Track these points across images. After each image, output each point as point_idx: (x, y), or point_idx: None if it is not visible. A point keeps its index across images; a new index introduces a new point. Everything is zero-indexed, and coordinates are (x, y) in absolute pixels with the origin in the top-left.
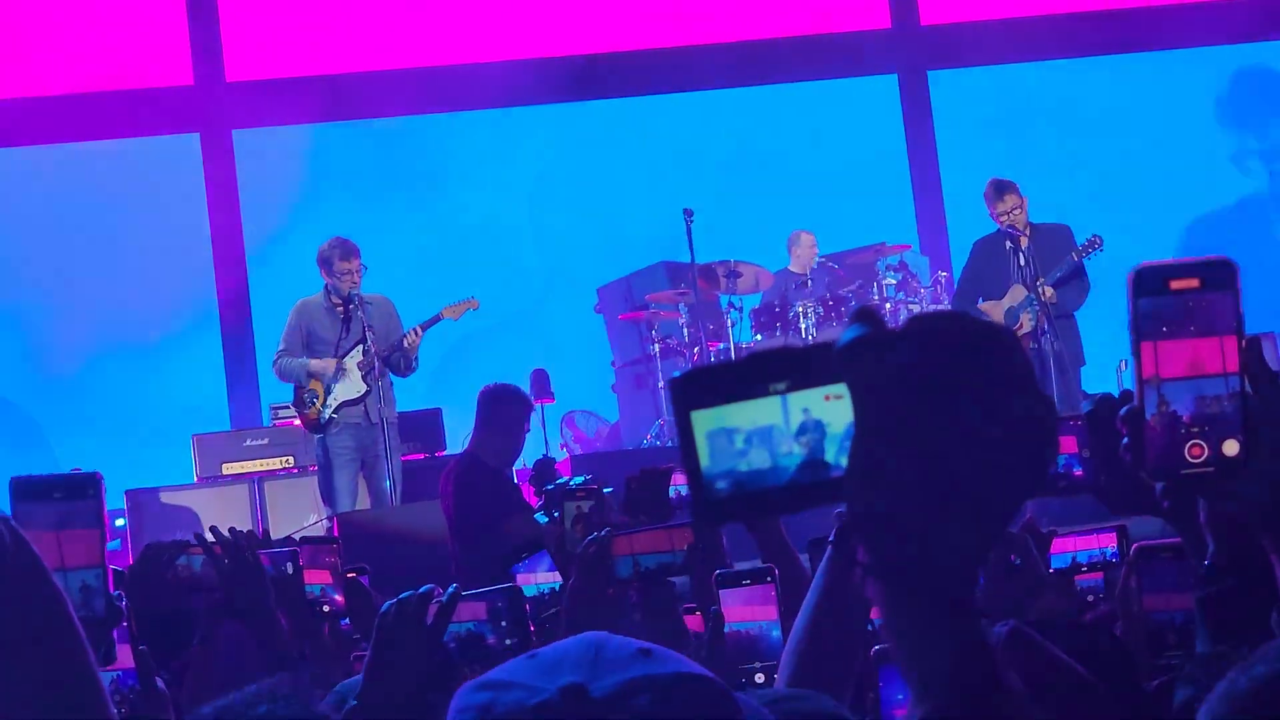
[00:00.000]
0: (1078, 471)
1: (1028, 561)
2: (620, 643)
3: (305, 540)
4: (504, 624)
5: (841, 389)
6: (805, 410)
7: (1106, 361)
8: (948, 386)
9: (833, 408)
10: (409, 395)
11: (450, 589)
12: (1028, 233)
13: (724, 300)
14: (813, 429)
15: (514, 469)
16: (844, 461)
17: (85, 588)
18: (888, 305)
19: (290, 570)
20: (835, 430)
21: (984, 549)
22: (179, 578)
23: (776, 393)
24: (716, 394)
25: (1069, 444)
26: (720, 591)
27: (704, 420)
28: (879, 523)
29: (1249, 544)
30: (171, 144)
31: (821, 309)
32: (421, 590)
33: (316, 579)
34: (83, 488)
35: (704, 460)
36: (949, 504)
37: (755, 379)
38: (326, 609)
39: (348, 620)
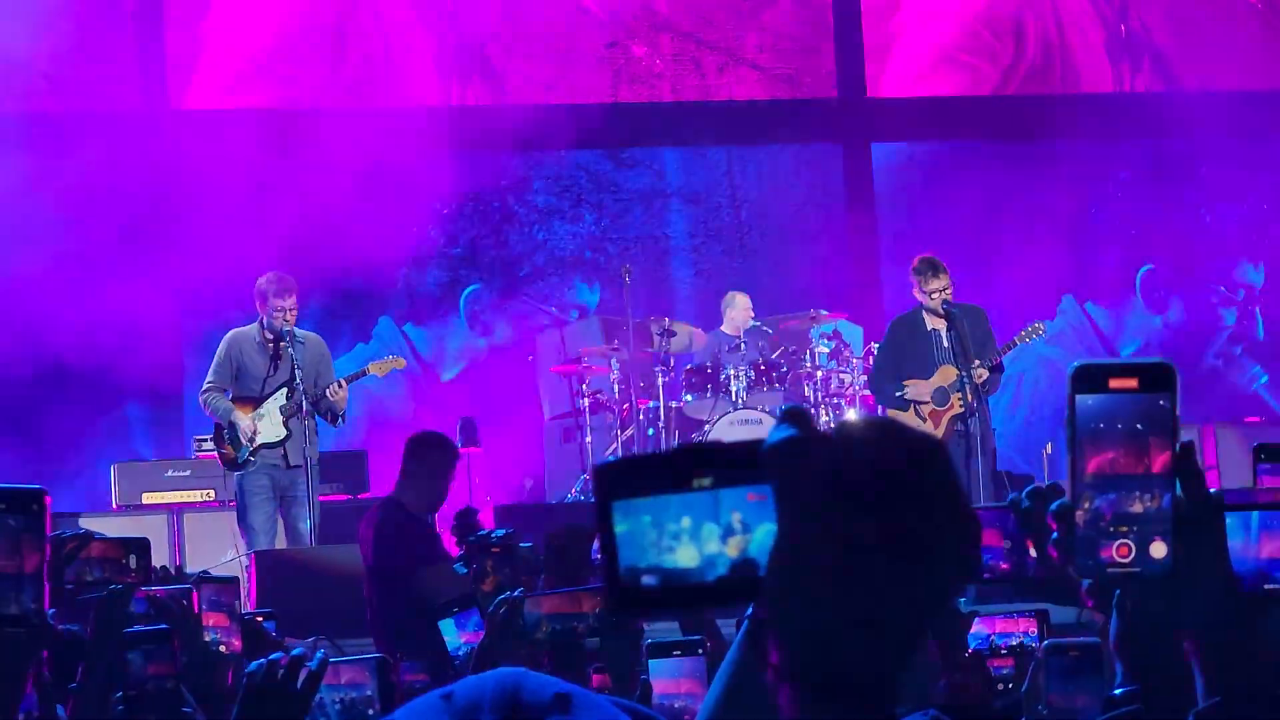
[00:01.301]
0: (1004, 565)
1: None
2: (538, 686)
3: (204, 580)
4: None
5: (766, 489)
6: (731, 508)
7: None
8: (875, 497)
9: (756, 507)
10: (338, 435)
11: (318, 655)
12: (951, 312)
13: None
14: (739, 528)
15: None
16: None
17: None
18: (819, 373)
19: (180, 609)
20: (759, 531)
21: (901, 659)
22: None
23: (701, 488)
24: (640, 485)
25: (992, 536)
26: (649, 661)
27: (626, 511)
28: (795, 628)
29: (1166, 654)
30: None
31: (753, 373)
32: (293, 653)
33: (214, 621)
34: (26, 503)
35: (624, 551)
36: (868, 614)
37: (680, 473)
38: (224, 650)
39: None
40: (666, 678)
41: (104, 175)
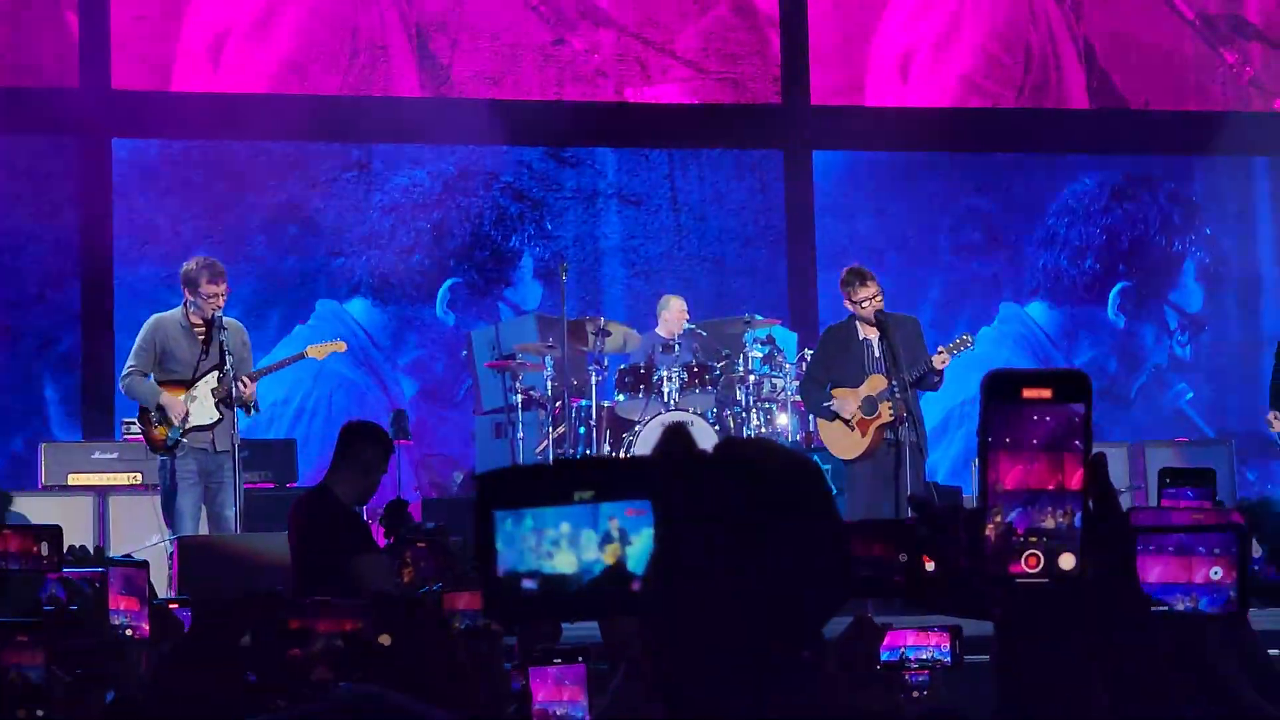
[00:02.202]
0: (897, 578)
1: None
2: (396, 705)
3: (114, 563)
4: None
5: (645, 505)
6: (611, 520)
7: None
8: (752, 514)
9: (634, 521)
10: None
11: None
12: (884, 321)
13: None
14: (617, 536)
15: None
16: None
17: None
18: (752, 377)
19: (92, 591)
20: (637, 540)
21: (775, 675)
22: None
23: (582, 501)
24: (522, 495)
25: (886, 550)
26: (530, 669)
27: (507, 520)
28: (667, 639)
29: (1056, 673)
30: (50, 145)
31: (686, 375)
32: None
33: (125, 605)
34: None
35: (504, 556)
36: (739, 627)
37: (563, 485)
38: (131, 635)
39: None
40: (548, 683)
41: (39, 154)
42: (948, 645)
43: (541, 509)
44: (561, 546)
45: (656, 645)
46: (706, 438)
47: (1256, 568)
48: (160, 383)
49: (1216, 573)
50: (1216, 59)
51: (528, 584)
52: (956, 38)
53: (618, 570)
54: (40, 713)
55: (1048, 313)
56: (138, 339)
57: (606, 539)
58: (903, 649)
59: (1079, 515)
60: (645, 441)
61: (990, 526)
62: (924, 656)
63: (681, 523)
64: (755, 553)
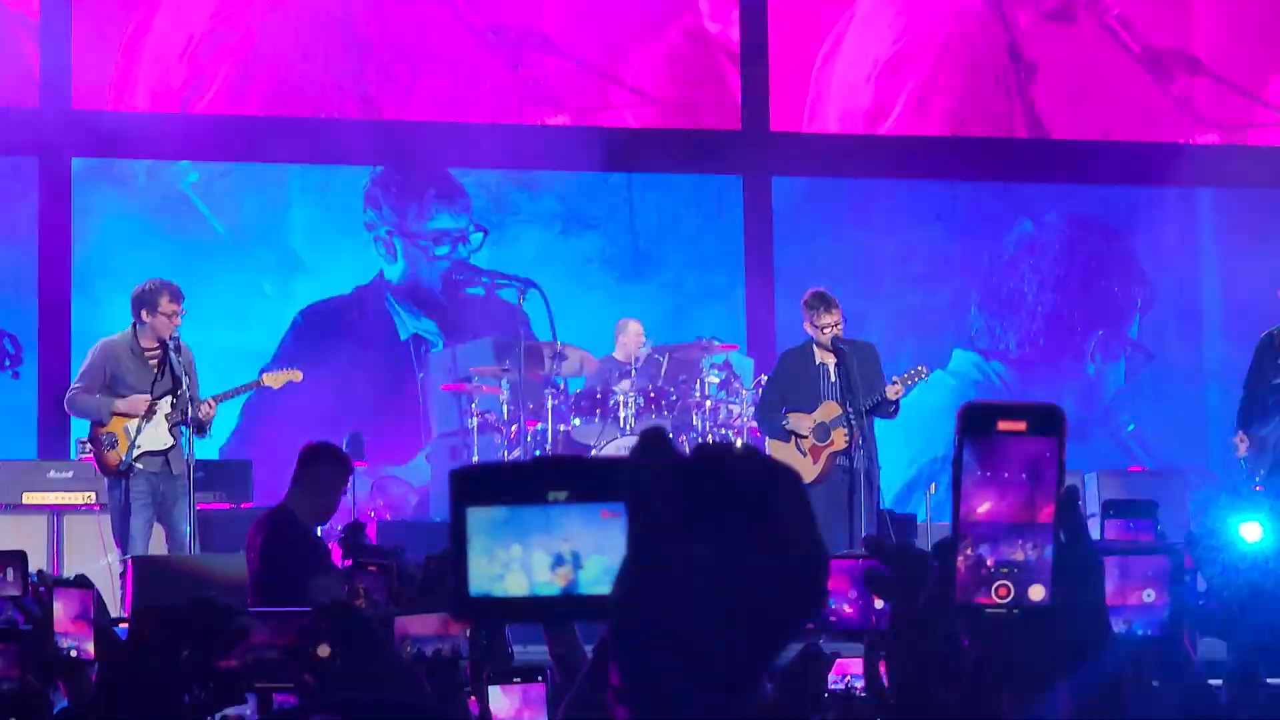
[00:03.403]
0: (848, 609)
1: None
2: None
3: (58, 582)
4: None
5: (619, 507)
6: (578, 523)
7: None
8: (727, 520)
9: (607, 524)
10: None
11: None
12: (842, 348)
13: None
14: (569, 559)
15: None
16: (602, 581)
17: None
18: (708, 403)
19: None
20: (601, 550)
21: (742, 684)
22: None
23: (555, 501)
24: (495, 494)
25: (841, 582)
26: (489, 688)
27: (479, 517)
28: (636, 646)
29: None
30: (8, 166)
31: (643, 399)
32: None
33: (71, 628)
34: None
35: (473, 557)
36: (707, 639)
37: (537, 484)
38: (75, 655)
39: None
40: (509, 701)
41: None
42: (848, 591)
43: (514, 511)
44: (513, 569)
45: (626, 647)
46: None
47: (1201, 602)
48: (109, 413)
49: (1149, 595)
50: (1162, 92)
51: (488, 584)
52: (913, 66)
53: (565, 595)
54: None
55: (1001, 357)
56: (84, 363)
57: (559, 561)
58: (848, 677)
59: (1049, 548)
60: (606, 449)
61: (961, 558)
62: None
63: (658, 524)
64: (732, 556)
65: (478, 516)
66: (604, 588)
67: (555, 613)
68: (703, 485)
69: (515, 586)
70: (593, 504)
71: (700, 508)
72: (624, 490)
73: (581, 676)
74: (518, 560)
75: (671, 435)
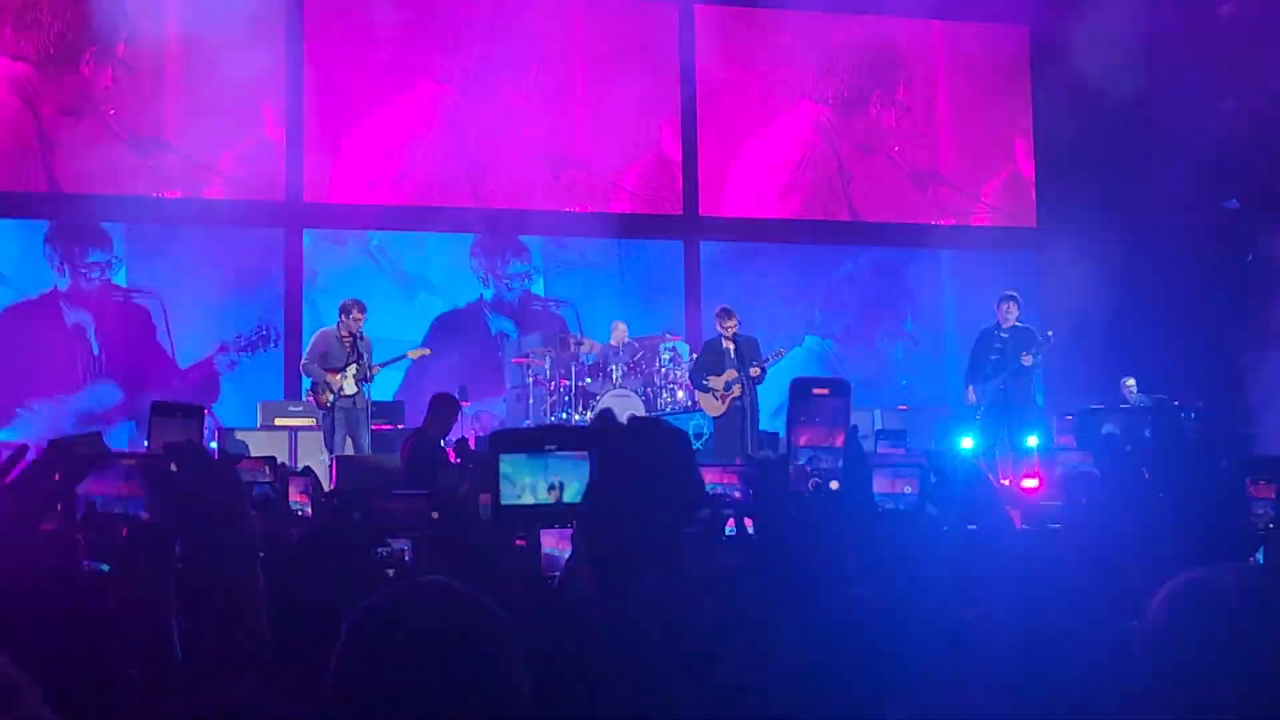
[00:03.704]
0: (737, 494)
1: None
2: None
3: (291, 472)
4: None
5: (585, 453)
6: (563, 464)
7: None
8: (646, 461)
9: (579, 465)
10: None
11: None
12: (737, 339)
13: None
14: (558, 485)
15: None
16: (576, 497)
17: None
18: (664, 369)
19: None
20: (577, 480)
21: (658, 549)
22: None
23: (549, 451)
24: (516, 446)
25: (731, 477)
26: (540, 530)
27: (508, 462)
28: (593, 534)
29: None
30: (266, 217)
31: (626, 368)
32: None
33: (298, 499)
34: (194, 411)
35: (503, 484)
36: (636, 526)
37: (539, 442)
38: (300, 514)
39: None
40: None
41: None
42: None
43: (525, 456)
44: (527, 489)
45: (586, 538)
46: (635, 405)
47: (935, 483)
48: (325, 369)
49: (908, 488)
50: (921, 194)
51: (513, 502)
52: (781, 173)
53: (557, 504)
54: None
55: (832, 339)
56: (309, 344)
57: (552, 487)
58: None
59: (840, 460)
60: (601, 406)
61: (793, 466)
62: (718, 492)
63: (603, 466)
64: (644, 481)
65: (506, 460)
66: (577, 500)
67: (549, 515)
68: (632, 441)
69: (527, 499)
70: (571, 453)
71: (630, 454)
72: (589, 446)
73: (570, 552)
74: (528, 485)
75: (634, 412)
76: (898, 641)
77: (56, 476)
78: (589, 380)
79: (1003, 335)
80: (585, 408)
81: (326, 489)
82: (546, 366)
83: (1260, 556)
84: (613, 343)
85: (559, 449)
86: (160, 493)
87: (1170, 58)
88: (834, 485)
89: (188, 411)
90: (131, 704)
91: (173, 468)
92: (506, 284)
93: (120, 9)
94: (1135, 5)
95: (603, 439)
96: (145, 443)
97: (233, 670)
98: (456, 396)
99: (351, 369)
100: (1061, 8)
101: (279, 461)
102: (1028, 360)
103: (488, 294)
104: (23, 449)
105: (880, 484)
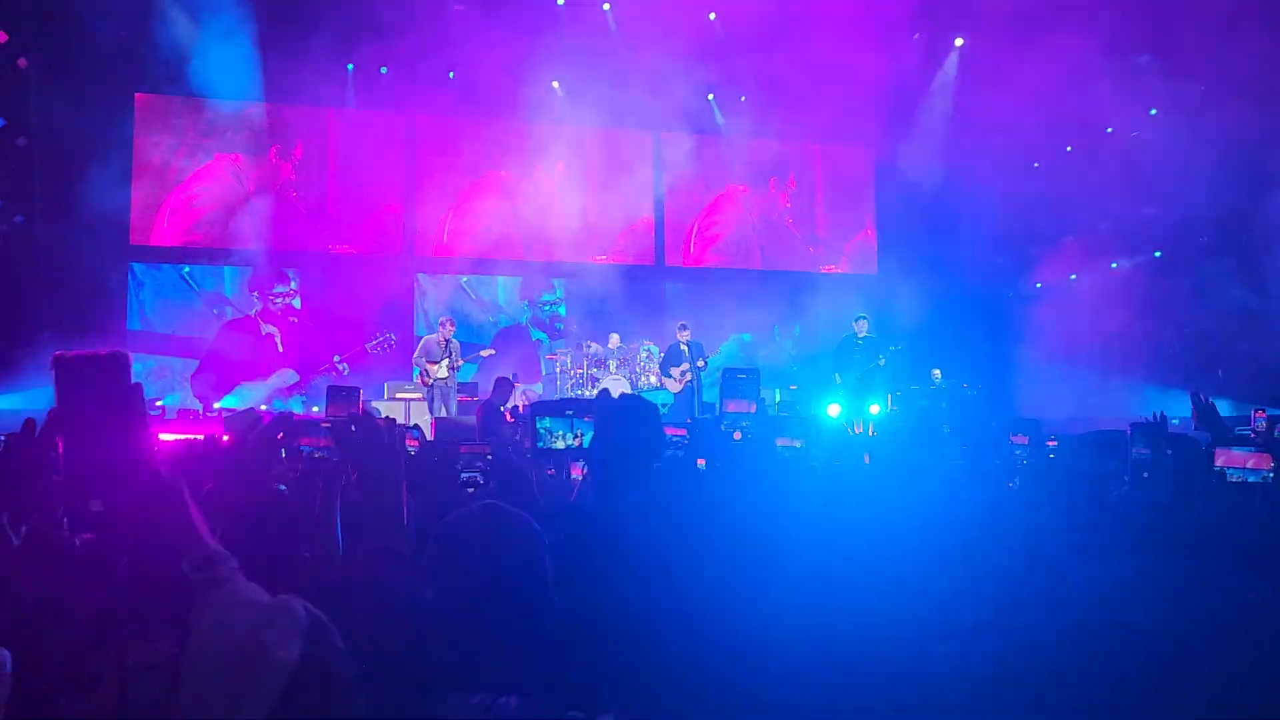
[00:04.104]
0: (687, 443)
1: None
2: (513, 515)
3: (404, 428)
4: None
5: (592, 417)
6: (579, 428)
7: None
8: (630, 421)
9: (589, 425)
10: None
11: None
12: (690, 342)
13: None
14: (579, 434)
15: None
16: (588, 444)
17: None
18: (642, 364)
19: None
20: (586, 437)
21: (637, 477)
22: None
23: (569, 416)
24: (549, 412)
25: (683, 432)
26: (571, 462)
27: (543, 422)
28: (593, 462)
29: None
30: (393, 265)
31: (619, 362)
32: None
33: (410, 444)
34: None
35: (541, 434)
36: (618, 457)
37: (563, 409)
38: (411, 453)
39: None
40: (577, 468)
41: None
42: (686, 435)
43: (554, 418)
44: (558, 437)
45: (593, 465)
46: (624, 386)
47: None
48: (427, 361)
49: (798, 443)
50: (807, 248)
51: (545, 445)
52: (715, 233)
53: (579, 446)
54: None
55: (744, 346)
56: (418, 346)
57: (575, 434)
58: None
59: (754, 421)
60: (601, 387)
61: (724, 425)
62: (675, 441)
63: (602, 424)
64: (629, 434)
65: (541, 421)
66: (586, 446)
67: (572, 453)
68: (621, 409)
69: (557, 445)
70: (583, 418)
71: (620, 417)
72: (594, 412)
73: (582, 478)
74: (559, 435)
75: (623, 390)
76: (785, 527)
77: (280, 435)
78: (595, 370)
79: (858, 343)
80: (592, 388)
81: (429, 439)
82: (568, 361)
83: (1017, 482)
84: (610, 346)
85: (576, 414)
86: (342, 443)
87: (964, 162)
88: (737, 436)
89: (349, 391)
90: (306, 575)
91: (352, 429)
92: (541, 308)
93: (295, 124)
94: (943, 134)
95: (603, 407)
96: (318, 409)
97: (381, 554)
98: (511, 380)
99: (444, 362)
100: (897, 136)
101: (397, 421)
102: (881, 361)
103: (526, 316)
104: (258, 417)
105: (781, 440)
